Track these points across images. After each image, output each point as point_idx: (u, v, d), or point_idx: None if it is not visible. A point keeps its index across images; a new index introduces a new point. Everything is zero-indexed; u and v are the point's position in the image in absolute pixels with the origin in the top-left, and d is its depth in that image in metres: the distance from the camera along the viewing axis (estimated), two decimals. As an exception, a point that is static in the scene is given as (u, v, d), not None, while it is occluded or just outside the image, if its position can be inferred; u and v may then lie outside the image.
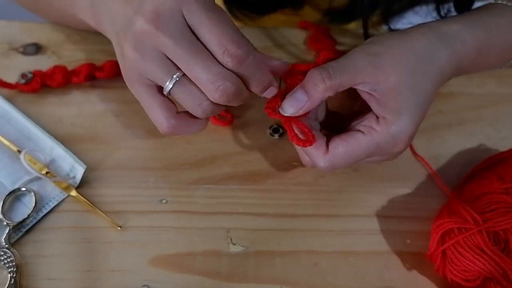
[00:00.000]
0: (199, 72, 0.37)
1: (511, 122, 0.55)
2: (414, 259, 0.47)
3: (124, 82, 0.41)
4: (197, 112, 0.39)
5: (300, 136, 0.42)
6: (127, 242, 0.46)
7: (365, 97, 0.42)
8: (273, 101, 0.42)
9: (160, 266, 0.45)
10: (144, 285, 0.44)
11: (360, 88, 0.41)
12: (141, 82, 0.40)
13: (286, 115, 0.41)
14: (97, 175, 0.49)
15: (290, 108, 0.41)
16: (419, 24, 0.44)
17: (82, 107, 0.53)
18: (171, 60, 0.38)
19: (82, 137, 0.51)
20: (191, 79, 0.38)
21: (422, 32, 0.43)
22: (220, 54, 0.37)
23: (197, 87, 0.38)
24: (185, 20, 0.38)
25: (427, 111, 0.42)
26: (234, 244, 0.47)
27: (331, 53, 0.55)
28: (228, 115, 0.52)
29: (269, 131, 0.53)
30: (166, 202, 0.48)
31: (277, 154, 0.52)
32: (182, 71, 0.38)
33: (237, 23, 0.68)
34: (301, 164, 0.50)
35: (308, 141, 0.41)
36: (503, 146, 0.52)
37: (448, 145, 0.53)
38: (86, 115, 0.53)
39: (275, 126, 0.53)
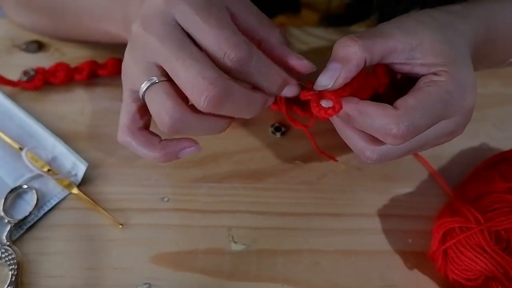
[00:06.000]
0: (183, 77, 0.34)
1: (515, 122, 0.55)
2: (415, 258, 0.47)
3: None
4: (161, 125, 0.36)
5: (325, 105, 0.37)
6: (129, 240, 0.46)
7: (405, 69, 0.39)
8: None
9: (161, 264, 0.45)
10: (145, 283, 0.44)
11: (395, 61, 0.38)
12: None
13: (320, 89, 0.37)
14: (99, 173, 0.49)
15: (324, 79, 0.36)
16: None
17: (85, 104, 0.53)
18: (157, 66, 0.36)
19: (84, 135, 0.51)
20: (177, 85, 0.35)
21: (429, 10, 0.41)
22: (220, 59, 0.34)
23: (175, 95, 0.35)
24: (178, 23, 0.35)
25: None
26: (235, 242, 0.47)
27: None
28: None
29: (271, 129, 0.52)
30: (168, 200, 0.48)
31: (279, 152, 0.52)
32: (164, 78, 0.36)
33: None
34: (304, 163, 0.50)
35: (334, 108, 0.36)
36: (506, 146, 0.52)
37: (450, 144, 0.53)
38: (89, 112, 0.53)
39: (277, 124, 0.52)
